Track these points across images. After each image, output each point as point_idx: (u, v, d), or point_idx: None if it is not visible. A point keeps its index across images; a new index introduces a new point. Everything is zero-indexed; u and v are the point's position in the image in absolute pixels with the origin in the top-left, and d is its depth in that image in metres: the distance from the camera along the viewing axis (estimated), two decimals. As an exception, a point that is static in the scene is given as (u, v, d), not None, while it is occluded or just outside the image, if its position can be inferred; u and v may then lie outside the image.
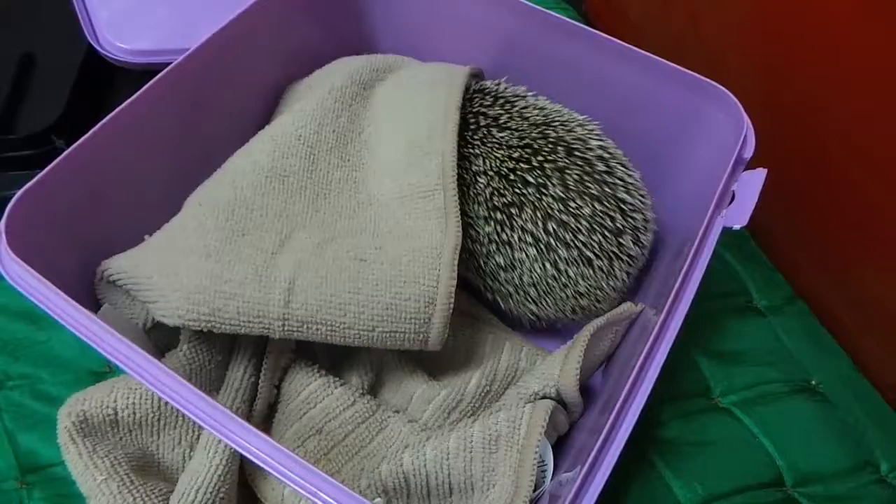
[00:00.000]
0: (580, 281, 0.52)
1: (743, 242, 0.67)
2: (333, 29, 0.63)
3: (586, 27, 0.55)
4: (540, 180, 0.51)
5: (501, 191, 0.52)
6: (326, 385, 0.50)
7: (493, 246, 0.53)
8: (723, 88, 0.51)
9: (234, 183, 0.50)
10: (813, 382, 0.59)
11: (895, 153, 0.54)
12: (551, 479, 0.46)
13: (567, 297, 0.53)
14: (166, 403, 0.46)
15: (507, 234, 0.52)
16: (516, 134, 0.53)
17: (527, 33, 0.58)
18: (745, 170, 0.48)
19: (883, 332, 0.59)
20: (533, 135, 0.53)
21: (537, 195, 0.51)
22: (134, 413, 0.46)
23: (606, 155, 0.53)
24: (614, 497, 0.52)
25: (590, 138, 0.53)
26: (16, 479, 0.50)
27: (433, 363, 0.55)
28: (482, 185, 0.53)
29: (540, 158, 0.52)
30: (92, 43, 0.66)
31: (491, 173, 0.52)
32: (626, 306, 0.51)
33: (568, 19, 0.55)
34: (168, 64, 0.50)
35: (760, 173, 0.47)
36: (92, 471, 0.44)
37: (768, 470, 0.55)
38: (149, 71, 0.51)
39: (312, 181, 0.52)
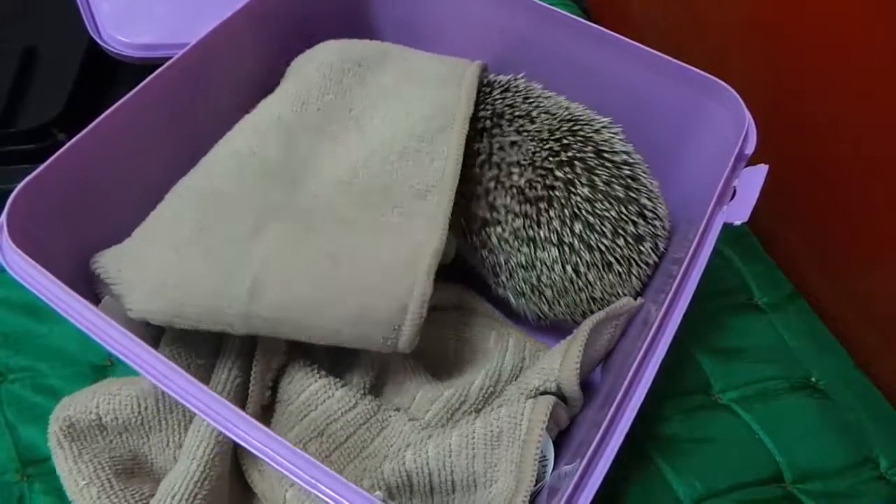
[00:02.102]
0: (597, 284, 0.52)
1: (744, 239, 0.67)
2: (337, 25, 0.63)
3: (589, 23, 0.55)
4: (569, 176, 0.51)
5: (534, 183, 0.51)
6: (327, 387, 0.49)
7: (517, 243, 0.52)
8: (724, 84, 0.51)
9: (211, 171, 0.49)
10: (813, 380, 0.59)
11: (897, 150, 0.54)
12: (551, 473, 0.46)
13: (581, 300, 0.53)
14: (146, 408, 0.46)
15: (533, 231, 0.51)
16: (546, 126, 0.52)
17: (529, 29, 0.58)
18: (746, 166, 0.48)
19: (883, 330, 0.59)
20: (563, 129, 0.52)
21: (565, 193, 0.51)
22: (116, 418, 0.46)
23: (631, 160, 0.53)
24: (614, 494, 0.52)
25: (615, 141, 0.53)
26: (16, 472, 0.51)
27: (436, 362, 0.54)
28: (516, 176, 0.52)
29: (570, 154, 0.51)
30: (94, 37, 0.65)
31: (525, 163, 0.52)
32: (626, 301, 0.51)
33: (570, 15, 0.55)
34: (170, 58, 0.50)
35: (762, 169, 0.47)
36: (75, 475, 0.44)
37: (768, 467, 0.55)
38: (150, 65, 0.51)
39: (290, 165, 0.50)
